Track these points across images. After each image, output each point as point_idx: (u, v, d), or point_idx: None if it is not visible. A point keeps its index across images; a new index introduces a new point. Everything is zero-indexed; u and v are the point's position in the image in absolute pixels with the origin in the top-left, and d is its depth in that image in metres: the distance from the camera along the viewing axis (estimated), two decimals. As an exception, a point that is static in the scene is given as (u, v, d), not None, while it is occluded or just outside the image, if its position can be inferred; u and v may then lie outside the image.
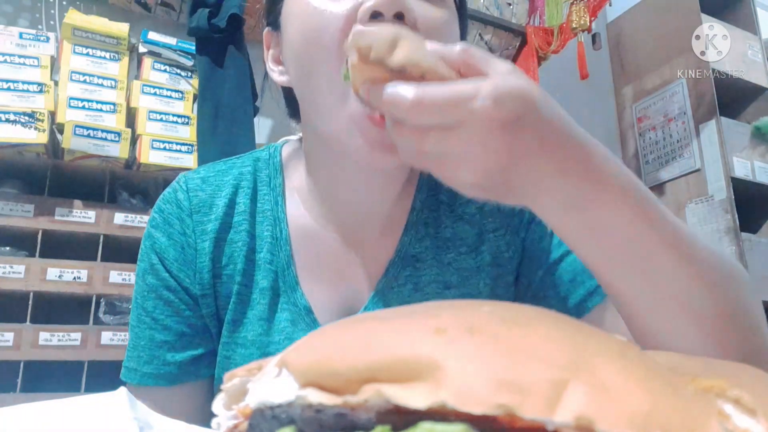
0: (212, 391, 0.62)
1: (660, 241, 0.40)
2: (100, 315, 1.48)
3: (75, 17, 1.67)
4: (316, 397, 0.18)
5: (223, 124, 1.54)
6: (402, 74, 0.37)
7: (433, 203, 0.64)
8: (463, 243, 0.63)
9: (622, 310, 0.45)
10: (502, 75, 0.35)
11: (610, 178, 0.39)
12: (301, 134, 0.64)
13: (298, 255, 0.61)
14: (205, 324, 0.60)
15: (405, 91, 0.35)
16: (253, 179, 0.62)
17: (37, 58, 1.58)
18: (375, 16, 0.47)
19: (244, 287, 0.60)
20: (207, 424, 0.26)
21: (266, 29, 0.61)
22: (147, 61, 1.76)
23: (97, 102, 1.62)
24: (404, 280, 0.61)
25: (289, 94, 0.62)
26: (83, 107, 1.59)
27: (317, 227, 0.61)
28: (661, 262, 0.40)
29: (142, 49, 1.77)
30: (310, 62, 0.50)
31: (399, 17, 0.47)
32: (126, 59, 1.72)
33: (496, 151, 0.36)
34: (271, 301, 0.59)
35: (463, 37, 0.58)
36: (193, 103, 1.74)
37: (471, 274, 0.62)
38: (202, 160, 1.55)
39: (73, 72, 1.62)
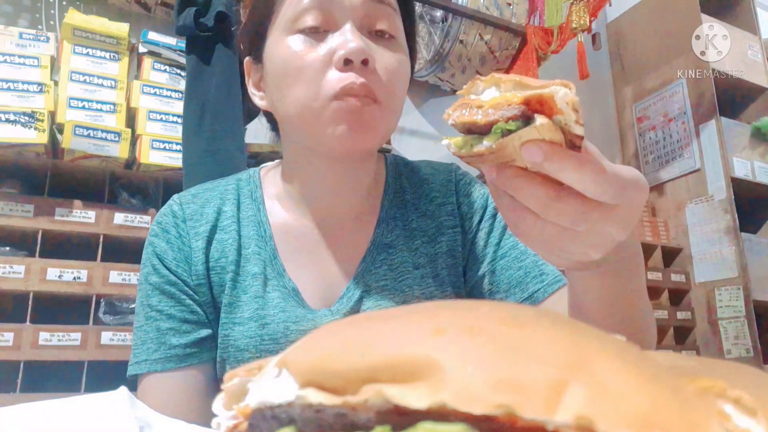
0: (215, 375, 0.70)
1: (640, 290, 0.54)
2: (100, 315, 1.48)
3: (75, 17, 1.67)
4: (316, 397, 0.18)
5: (209, 123, 1.51)
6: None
7: (399, 202, 0.76)
8: (425, 234, 0.75)
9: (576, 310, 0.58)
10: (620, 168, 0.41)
11: (638, 253, 0.52)
12: (276, 161, 0.78)
13: (282, 248, 0.71)
14: (204, 311, 0.70)
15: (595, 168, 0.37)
16: (237, 192, 0.74)
17: (37, 58, 1.58)
18: (347, 63, 0.60)
19: (236, 275, 0.70)
20: (209, 415, 0.26)
21: (248, 59, 0.72)
22: (147, 61, 1.76)
23: (97, 102, 1.62)
24: (380, 264, 0.72)
25: (270, 116, 0.75)
26: (83, 107, 1.59)
27: (297, 224, 0.72)
28: (634, 304, 0.54)
29: (142, 49, 1.77)
30: (291, 91, 0.63)
31: (364, 63, 0.60)
32: (126, 59, 1.72)
33: (629, 227, 0.42)
34: (263, 284, 0.69)
35: (412, 66, 0.71)
36: (194, 103, 1.73)
37: (433, 258, 0.74)
38: (186, 159, 1.52)
39: (73, 72, 1.62)
